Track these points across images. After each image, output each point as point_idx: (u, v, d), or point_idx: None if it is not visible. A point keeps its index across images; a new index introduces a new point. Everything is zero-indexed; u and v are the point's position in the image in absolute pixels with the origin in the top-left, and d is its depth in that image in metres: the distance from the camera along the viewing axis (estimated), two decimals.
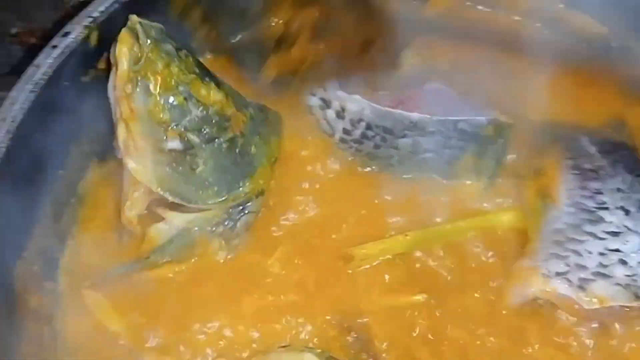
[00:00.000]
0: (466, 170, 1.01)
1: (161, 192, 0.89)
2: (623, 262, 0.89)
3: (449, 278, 0.95)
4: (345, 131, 1.01)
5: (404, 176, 1.02)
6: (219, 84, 0.94)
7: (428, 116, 0.98)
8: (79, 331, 0.91)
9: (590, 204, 0.94)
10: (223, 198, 0.92)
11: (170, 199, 0.90)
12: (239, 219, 0.95)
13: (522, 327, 0.92)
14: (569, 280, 0.89)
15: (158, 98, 0.88)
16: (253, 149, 0.95)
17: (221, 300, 0.93)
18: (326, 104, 1.02)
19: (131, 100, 0.88)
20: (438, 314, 0.92)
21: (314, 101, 1.03)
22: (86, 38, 0.92)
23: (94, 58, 0.94)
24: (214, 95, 0.92)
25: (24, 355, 0.84)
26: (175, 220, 0.93)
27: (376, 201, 1.01)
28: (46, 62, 0.88)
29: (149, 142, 0.89)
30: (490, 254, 0.97)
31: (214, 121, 0.91)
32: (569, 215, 0.93)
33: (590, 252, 0.90)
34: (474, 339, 0.91)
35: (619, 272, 0.89)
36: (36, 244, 0.91)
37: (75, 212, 0.98)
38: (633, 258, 0.89)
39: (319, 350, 0.85)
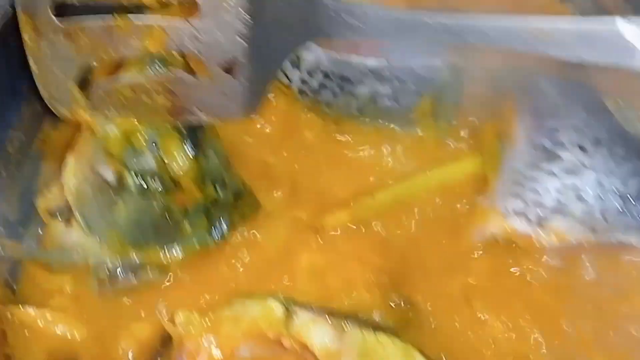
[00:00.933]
0: (424, 115, 1.01)
1: (72, 206, 0.88)
2: (580, 198, 0.91)
3: (413, 230, 0.96)
4: (303, 81, 1.00)
5: (364, 126, 1.01)
6: (198, 158, 0.91)
7: (384, 62, 0.98)
8: None
9: (547, 142, 0.94)
10: (118, 247, 0.88)
11: (76, 216, 0.88)
12: (127, 274, 0.90)
13: (485, 266, 0.94)
14: (527, 218, 0.90)
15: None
16: (187, 228, 0.89)
17: None
18: None
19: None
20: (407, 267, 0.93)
21: None
22: None
23: None
24: (181, 161, 0.90)
25: None
26: (74, 234, 0.89)
27: (339, 157, 1.00)
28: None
29: (89, 158, 0.88)
30: (452, 203, 0.97)
31: (161, 181, 0.89)
32: (526, 154, 0.94)
33: (547, 190, 0.91)
34: (442, 283, 0.93)
35: (576, 207, 0.90)
36: None
37: (32, 173, 0.96)
38: (590, 193, 0.91)
39: (282, 297, 0.86)
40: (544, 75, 1.02)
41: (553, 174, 0.92)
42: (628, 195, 0.91)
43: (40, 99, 0.94)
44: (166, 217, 0.89)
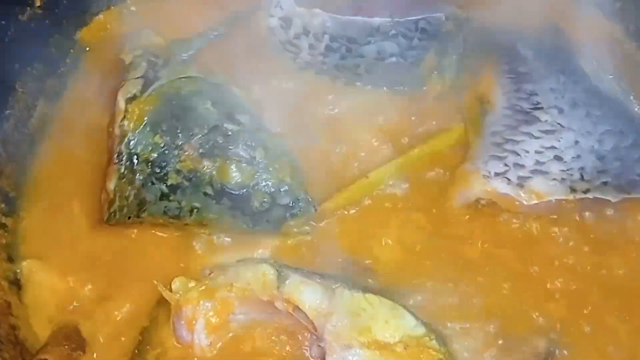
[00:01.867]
0: (430, 70, 1.02)
1: None
2: (558, 158, 0.93)
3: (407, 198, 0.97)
4: (311, 46, 1.00)
5: (368, 87, 1.01)
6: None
7: (389, 19, 0.99)
8: None
9: (526, 105, 0.97)
10: None
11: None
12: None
13: (469, 228, 0.95)
14: (508, 179, 0.92)
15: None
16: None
17: None
18: (287, 23, 1.01)
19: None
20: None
21: (274, 22, 1.02)
22: None
23: None
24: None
25: None
26: None
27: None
28: None
29: None
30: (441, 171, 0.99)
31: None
32: (506, 118, 0.96)
33: (527, 151, 0.94)
34: (430, 244, 0.94)
35: (555, 167, 0.93)
36: None
37: (28, 151, 0.99)
38: (567, 153, 0.93)
39: (272, 261, 0.88)
40: (522, 39, 1.05)
41: (532, 135, 0.94)
42: (605, 154, 0.93)
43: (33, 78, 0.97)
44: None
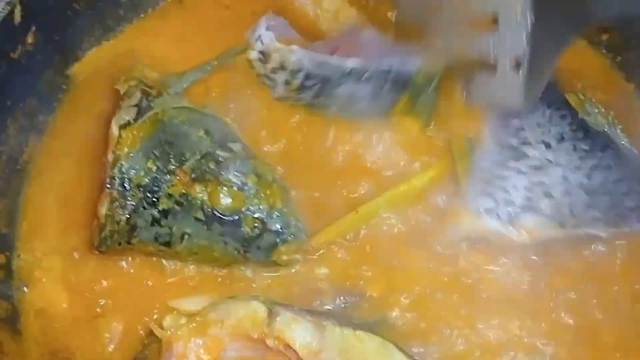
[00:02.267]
0: (405, 112, 1.02)
1: None
2: (548, 194, 0.94)
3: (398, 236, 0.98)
4: (287, 82, 1.02)
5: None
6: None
7: (362, 64, 1.00)
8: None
9: (514, 140, 0.97)
10: None
11: None
12: None
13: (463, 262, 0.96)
14: (498, 216, 0.93)
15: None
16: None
17: None
18: (265, 57, 1.02)
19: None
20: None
21: (254, 55, 1.03)
22: (9, 14, 0.92)
23: (21, 33, 0.95)
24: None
25: None
26: None
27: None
28: None
29: None
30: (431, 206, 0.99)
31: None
32: (494, 154, 0.97)
33: (516, 187, 0.94)
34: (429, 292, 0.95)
35: (545, 204, 0.93)
36: None
37: (19, 186, 1.00)
38: (556, 189, 0.94)
39: (263, 298, 0.89)
40: None
41: (521, 171, 0.95)
42: (593, 189, 0.94)
43: (25, 114, 0.98)
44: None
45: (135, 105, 0.95)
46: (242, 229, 0.92)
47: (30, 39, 0.96)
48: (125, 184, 0.91)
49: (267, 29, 1.01)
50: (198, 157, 0.93)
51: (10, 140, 0.97)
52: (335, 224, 0.96)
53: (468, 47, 0.96)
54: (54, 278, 0.95)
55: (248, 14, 1.07)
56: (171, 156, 0.93)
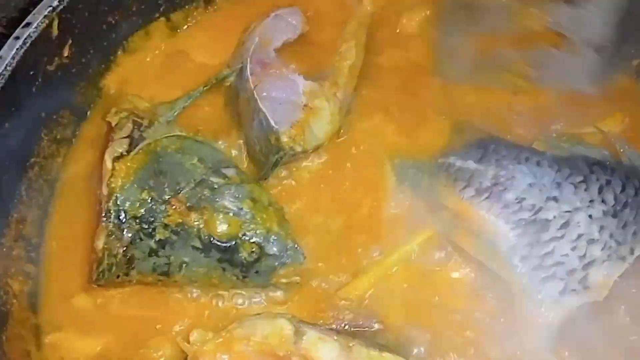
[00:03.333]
0: None
1: None
2: (591, 241, 0.91)
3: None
4: None
5: None
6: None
7: None
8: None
9: (526, 214, 0.93)
10: None
11: None
12: None
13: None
14: (574, 291, 0.89)
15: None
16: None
17: None
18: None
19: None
20: None
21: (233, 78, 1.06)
22: (47, 27, 0.94)
23: (58, 46, 0.97)
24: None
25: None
26: None
27: None
28: (9, 53, 0.90)
29: None
30: None
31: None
32: (522, 237, 0.92)
33: (566, 254, 0.91)
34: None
35: (596, 250, 0.90)
36: (14, 230, 0.95)
37: (51, 198, 1.01)
38: (593, 231, 0.91)
39: (290, 316, 0.89)
40: (451, 153, 1.01)
41: (556, 237, 0.91)
42: (614, 209, 0.92)
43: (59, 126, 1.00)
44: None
45: (128, 137, 0.95)
46: (240, 254, 0.93)
47: (66, 52, 0.98)
48: (120, 217, 0.91)
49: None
50: (192, 185, 0.93)
51: (43, 151, 0.99)
52: (366, 276, 0.95)
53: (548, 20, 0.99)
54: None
55: None
56: (166, 186, 0.92)
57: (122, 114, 0.98)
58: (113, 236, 0.91)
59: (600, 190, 0.93)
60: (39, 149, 0.98)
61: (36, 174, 0.98)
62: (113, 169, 0.92)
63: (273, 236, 0.94)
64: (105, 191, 0.92)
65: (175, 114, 1.02)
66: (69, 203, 1.01)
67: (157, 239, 0.91)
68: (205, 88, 1.05)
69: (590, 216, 0.92)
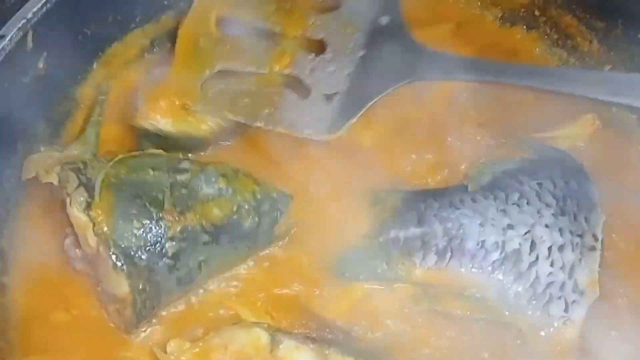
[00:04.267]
0: None
1: None
2: (561, 248, 0.91)
3: None
4: None
5: None
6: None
7: None
8: None
9: (495, 255, 0.91)
10: None
11: None
12: None
13: None
14: (574, 302, 0.89)
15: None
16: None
17: None
18: None
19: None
20: None
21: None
22: (22, 40, 0.94)
23: (32, 59, 0.97)
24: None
25: None
26: None
27: None
28: None
29: None
30: None
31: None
32: (504, 278, 0.91)
33: (550, 273, 0.90)
34: None
35: (569, 254, 0.91)
36: None
37: (24, 211, 1.00)
38: (556, 235, 0.91)
39: (266, 325, 0.90)
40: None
41: (533, 262, 0.91)
42: (561, 208, 0.93)
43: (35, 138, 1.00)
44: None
45: (80, 185, 0.92)
46: (244, 226, 0.96)
47: (41, 64, 0.98)
48: (128, 254, 0.89)
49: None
50: (169, 192, 0.93)
51: (19, 164, 0.98)
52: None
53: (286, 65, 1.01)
54: None
55: None
56: (148, 206, 0.92)
57: (55, 169, 0.94)
58: (133, 276, 0.89)
59: (539, 197, 0.94)
60: (16, 160, 0.98)
61: (12, 186, 0.98)
62: (90, 219, 0.90)
63: (258, 195, 0.97)
64: (94, 243, 0.89)
65: (94, 144, 1.02)
66: (39, 213, 1.00)
67: (170, 255, 0.91)
68: (101, 109, 1.05)
69: (546, 225, 0.92)
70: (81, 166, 0.94)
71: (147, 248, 0.90)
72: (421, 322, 0.91)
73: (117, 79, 1.10)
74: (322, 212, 0.99)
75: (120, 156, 0.96)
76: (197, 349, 0.89)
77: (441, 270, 0.92)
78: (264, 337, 0.87)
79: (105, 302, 0.94)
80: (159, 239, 0.91)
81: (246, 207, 0.96)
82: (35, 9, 0.94)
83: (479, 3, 1.15)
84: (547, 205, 0.93)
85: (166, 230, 0.91)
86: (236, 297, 0.96)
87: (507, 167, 0.97)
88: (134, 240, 0.90)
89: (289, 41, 1.05)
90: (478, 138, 1.00)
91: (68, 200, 0.91)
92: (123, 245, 0.89)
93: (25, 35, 0.94)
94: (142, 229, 0.90)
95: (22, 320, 0.94)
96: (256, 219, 0.96)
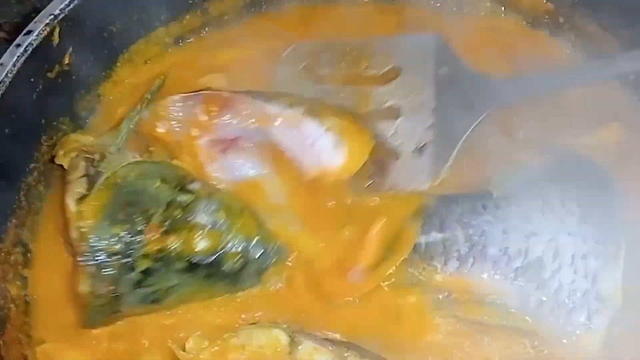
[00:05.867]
0: None
1: None
2: (584, 256, 0.90)
3: None
4: None
5: None
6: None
7: None
8: None
9: (518, 262, 0.90)
10: None
11: None
12: None
13: None
14: (596, 310, 0.89)
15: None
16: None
17: None
18: None
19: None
20: None
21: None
22: (49, 35, 0.95)
23: (59, 54, 0.98)
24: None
25: None
26: None
27: None
28: (10, 60, 0.91)
29: None
30: None
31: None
32: (526, 285, 0.90)
33: (572, 281, 0.90)
34: None
35: (592, 262, 0.90)
36: (13, 235, 0.96)
37: (46, 205, 1.01)
38: (579, 243, 0.91)
39: (285, 326, 0.89)
40: None
41: (556, 270, 0.90)
42: (584, 216, 0.93)
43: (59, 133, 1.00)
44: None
45: (84, 176, 0.93)
46: (226, 265, 0.92)
47: (67, 60, 0.99)
48: (99, 257, 0.88)
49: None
50: (163, 208, 0.91)
51: (43, 158, 1.00)
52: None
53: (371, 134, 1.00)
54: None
55: None
56: (136, 216, 0.90)
57: (71, 154, 0.95)
58: (96, 278, 0.88)
59: (562, 204, 0.93)
60: (38, 155, 0.99)
61: (35, 179, 0.99)
62: (78, 211, 0.90)
63: (254, 240, 0.93)
64: (75, 235, 0.89)
65: (123, 139, 0.98)
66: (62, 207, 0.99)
67: (139, 271, 0.89)
68: (142, 107, 1.01)
69: (569, 233, 0.91)
70: (97, 158, 0.94)
71: (119, 257, 0.89)
72: (442, 328, 0.91)
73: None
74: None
75: (139, 159, 0.95)
76: (216, 348, 0.88)
77: (462, 276, 0.91)
78: (283, 338, 0.87)
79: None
80: (133, 252, 0.89)
81: (235, 247, 0.92)
82: (62, 6, 0.96)
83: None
84: (571, 212, 0.92)
85: (143, 245, 0.90)
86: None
87: (530, 174, 0.96)
88: (109, 245, 0.89)
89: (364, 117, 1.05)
90: (502, 144, 0.99)
91: (67, 186, 0.92)
92: (97, 247, 0.88)
93: (52, 31, 0.95)
94: (121, 238, 0.89)
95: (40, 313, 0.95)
96: (241, 263, 0.92)
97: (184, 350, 0.89)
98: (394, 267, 0.92)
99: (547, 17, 1.14)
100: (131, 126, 1.00)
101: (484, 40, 1.12)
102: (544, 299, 0.89)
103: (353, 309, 0.92)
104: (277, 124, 0.97)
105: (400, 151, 1.02)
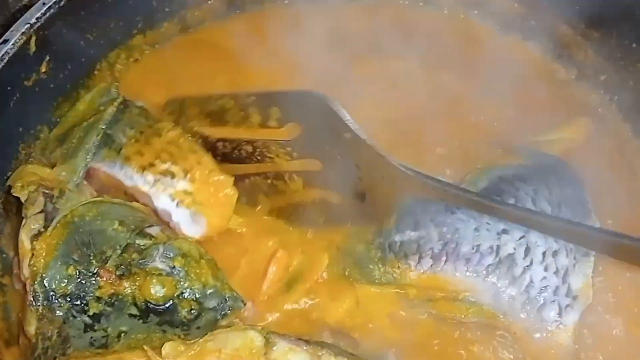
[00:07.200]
0: None
1: None
2: (555, 253, 0.91)
3: None
4: None
5: None
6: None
7: None
8: None
9: (490, 259, 0.91)
10: None
11: None
12: None
13: None
14: (568, 306, 0.90)
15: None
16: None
17: None
18: None
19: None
20: None
21: None
22: (25, 44, 0.95)
23: (36, 63, 0.99)
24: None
25: None
26: None
27: None
28: None
29: None
30: None
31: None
32: (498, 282, 0.91)
33: (543, 277, 0.91)
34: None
35: (563, 259, 0.91)
36: None
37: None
38: (550, 241, 0.92)
39: (260, 327, 0.90)
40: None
41: (527, 266, 0.91)
42: (556, 215, 0.94)
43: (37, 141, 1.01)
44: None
45: (42, 212, 0.91)
46: (179, 314, 0.91)
47: (44, 68, 1.00)
48: (50, 297, 0.87)
49: None
50: (119, 251, 0.90)
51: (20, 165, 0.99)
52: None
53: None
54: None
55: None
56: (91, 257, 0.89)
57: (30, 188, 0.94)
58: (44, 319, 0.87)
59: (534, 203, 0.94)
60: (16, 163, 0.99)
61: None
62: (33, 248, 0.89)
63: (210, 290, 0.92)
64: (27, 273, 0.88)
65: (81, 175, 0.97)
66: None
67: (91, 314, 0.88)
68: (99, 138, 0.99)
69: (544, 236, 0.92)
70: (55, 194, 0.93)
71: (70, 299, 0.88)
72: (416, 326, 0.92)
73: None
74: None
75: (99, 198, 0.94)
76: (192, 352, 0.88)
77: (436, 274, 0.92)
78: (257, 339, 0.87)
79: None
80: (85, 294, 0.88)
81: (190, 296, 0.91)
82: (39, 14, 0.97)
83: None
84: (542, 210, 0.93)
85: (96, 288, 0.89)
86: None
87: (503, 173, 0.97)
88: (61, 286, 0.88)
89: None
90: (474, 144, 1.00)
91: (23, 222, 0.90)
92: (48, 287, 0.88)
93: (28, 40, 0.96)
94: (74, 279, 0.88)
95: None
96: (195, 312, 0.91)
97: (160, 355, 0.90)
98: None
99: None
100: (88, 159, 0.98)
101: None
102: (516, 295, 0.90)
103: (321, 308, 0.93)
104: (141, 200, 0.97)
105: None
